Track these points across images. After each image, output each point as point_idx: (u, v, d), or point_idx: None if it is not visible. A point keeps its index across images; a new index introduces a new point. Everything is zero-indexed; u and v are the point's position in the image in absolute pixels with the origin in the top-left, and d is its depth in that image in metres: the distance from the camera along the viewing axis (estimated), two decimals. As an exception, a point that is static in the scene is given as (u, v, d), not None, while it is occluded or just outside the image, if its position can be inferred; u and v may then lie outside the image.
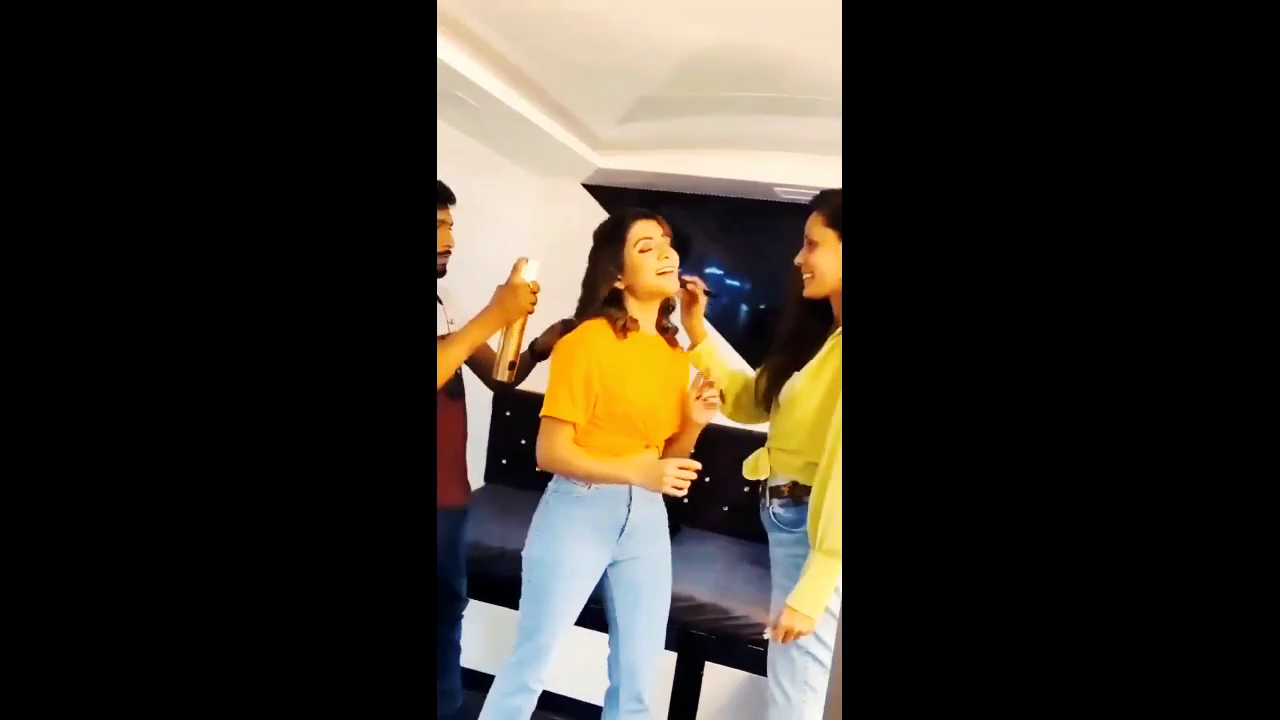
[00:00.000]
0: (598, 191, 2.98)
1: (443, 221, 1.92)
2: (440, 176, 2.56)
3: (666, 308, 1.73)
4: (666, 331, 1.74)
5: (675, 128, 2.43)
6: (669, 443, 1.73)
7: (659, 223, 1.66)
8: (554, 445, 1.63)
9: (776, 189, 2.60)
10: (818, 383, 1.52)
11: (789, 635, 1.46)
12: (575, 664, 2.01)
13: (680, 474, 1.54)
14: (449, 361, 1.74)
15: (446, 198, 1.94)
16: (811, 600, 1.44)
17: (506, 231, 2.89)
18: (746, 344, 2.84)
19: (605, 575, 1.72)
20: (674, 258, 1.65)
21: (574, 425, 1.63)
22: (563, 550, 1.65)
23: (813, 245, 1.54)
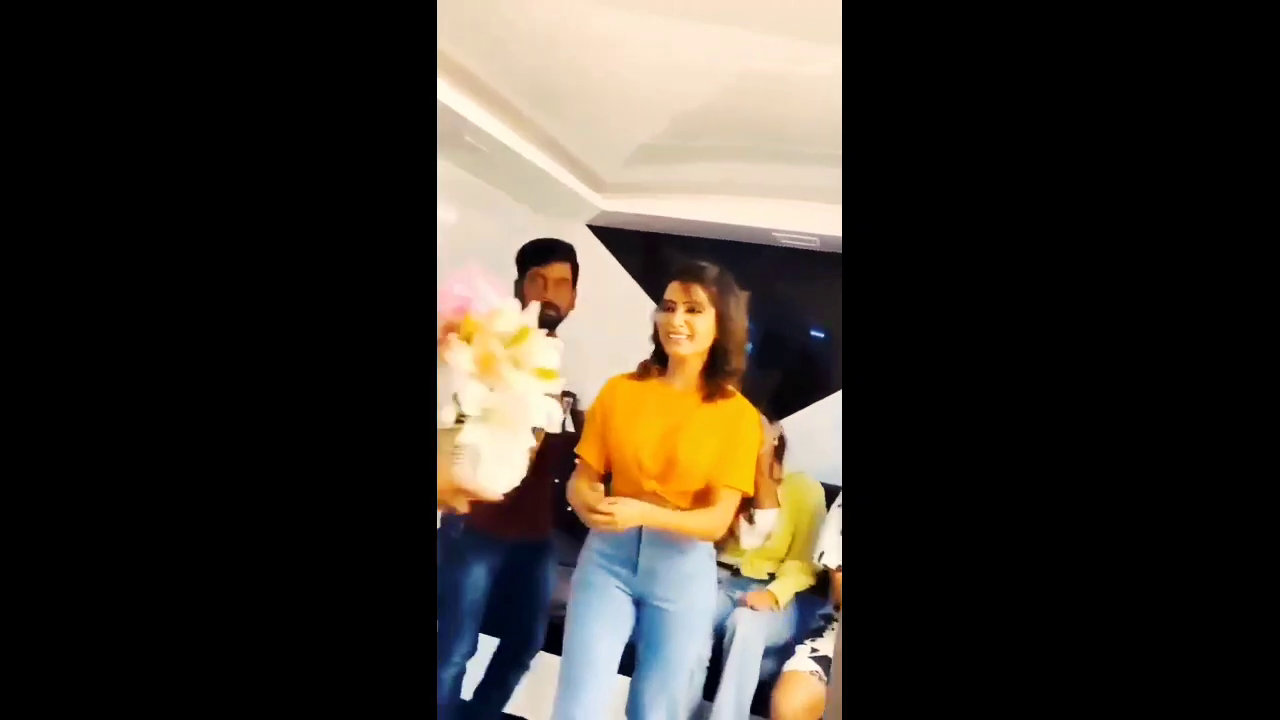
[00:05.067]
0: (601, 233, 3.06)
1: (564, 279, 1.95)
2: (448, 216, 2.64)
3: (718, 368, 1.66)
4: (711, 383, 1.67)
5: (677, 173, 2.51)
6: (696, 498, 1.66)
7: (683, 290, 1.63)
8: (572, 480, 1.70)
9: (775, 234, 2.67)
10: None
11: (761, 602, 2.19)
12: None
13: (596, 512, 1.55)
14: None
15: (566, 254, 1.97)
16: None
17: (512, 271, 2.96)
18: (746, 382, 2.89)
19: (637, 617, 1.70)
20: (686, 327, 1.61)
21: (589, 464, 1.68)
22: (585, 581, 1.68)
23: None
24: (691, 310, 1.62)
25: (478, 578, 1.95)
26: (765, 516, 2.16)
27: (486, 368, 0.90)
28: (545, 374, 0.98)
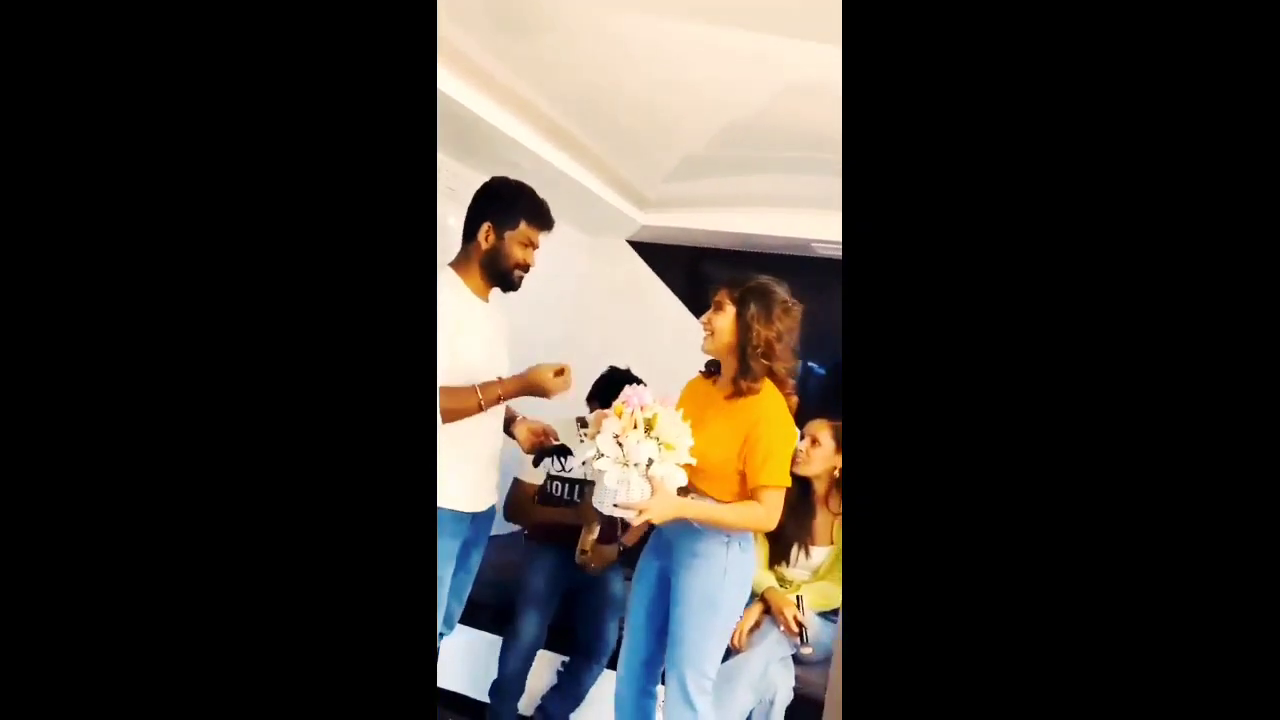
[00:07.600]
0: (642, 248, 3.08)
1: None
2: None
3: (742, 369, 1.69)
4: (735, 383, 1.70)
5: (717, 186, 2.52)
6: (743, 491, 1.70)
7: (713, 292, 1.72)
8: None
9: (814, 245, 2.66)
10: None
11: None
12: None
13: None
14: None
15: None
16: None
17: (558, 288, 3.00)
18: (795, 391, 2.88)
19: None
20: (707, 326, 1.70)
21: None
22: (637, 570, 1.86)
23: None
24: (715, 310, 1.71)
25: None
26: (820, 552, 2.15)
27: (623, 433, 1.54)
28: (669, 446, 1.53)
